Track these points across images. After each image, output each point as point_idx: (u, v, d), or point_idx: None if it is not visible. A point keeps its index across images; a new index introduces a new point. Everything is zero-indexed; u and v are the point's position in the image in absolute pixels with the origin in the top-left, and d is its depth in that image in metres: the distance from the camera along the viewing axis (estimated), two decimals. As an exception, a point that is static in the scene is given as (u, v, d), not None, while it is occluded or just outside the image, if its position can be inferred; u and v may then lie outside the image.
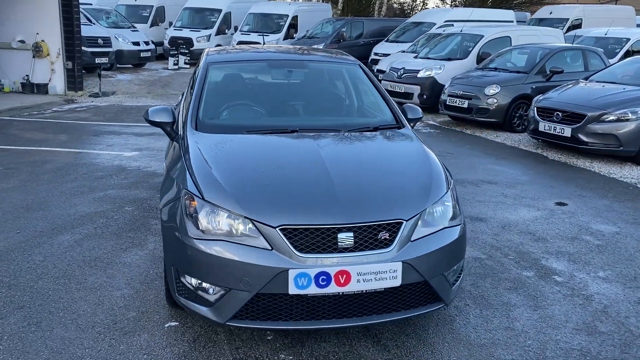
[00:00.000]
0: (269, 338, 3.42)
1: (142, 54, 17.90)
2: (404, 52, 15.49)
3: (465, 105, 10.50)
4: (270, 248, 2.98)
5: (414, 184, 3.40)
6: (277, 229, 2.99)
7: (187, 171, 3.42)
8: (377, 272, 3.00)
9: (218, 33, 20.18)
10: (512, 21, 18.59)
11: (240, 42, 19.25)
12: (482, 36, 12.72)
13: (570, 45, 12.18)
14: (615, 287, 4.23)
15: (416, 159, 3.73)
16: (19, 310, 3.70)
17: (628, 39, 14.58)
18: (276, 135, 3.90)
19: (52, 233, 5.03)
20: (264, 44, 6.71)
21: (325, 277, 2.95)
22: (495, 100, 10.21)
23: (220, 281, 3.03)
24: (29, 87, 13.54)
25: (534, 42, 12.56)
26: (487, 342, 3.45)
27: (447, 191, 3.45)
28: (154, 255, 4.57)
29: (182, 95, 5.96)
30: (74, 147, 8.45)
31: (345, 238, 3.00)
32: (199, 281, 3.12)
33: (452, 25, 16.78)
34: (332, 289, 2.97)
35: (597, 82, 9.27)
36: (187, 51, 19.30)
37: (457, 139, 9.85)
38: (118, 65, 17.79)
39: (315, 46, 17.90)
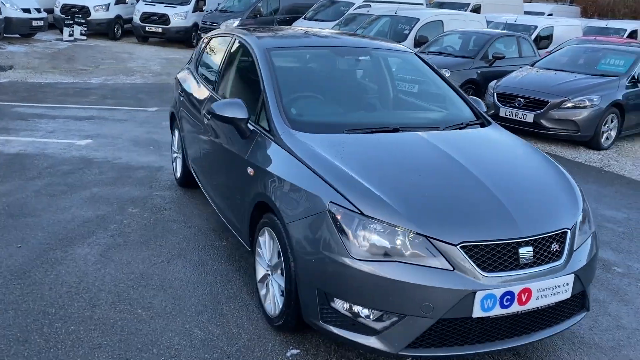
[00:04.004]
0: (410, 361, 3.12)
1: (34, 23, 15.83)
2: (328, 31, 15.22)
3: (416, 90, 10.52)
4: (451, 268, 2.67)
5: (563, 190, 3.23)
6: (457, 246, 2.68)
7: (320, 179, 2.96)
8: (553, 286, 2.82)
9: (118, 2, 18.43)
10: (422, 4, 19.01)
11: (145, 14, 17.76)
12: (418, 19, 12.84)
13: (509, 32, 12.72)
14: (673, 276, 4.44)
15: (544, 162, 3.56)
16: (98, 349, 3.03)
17: (536, 26, 15.60)
18: (381, 134, 3.50)
19: (62, 245, 4.24)
20: (276, 23, 6.12)
21: (509, 297, 2.72)
22: (446, 85, 10.34)
23: (393, 307, 2.67)
24: None
25: (462, 26, 12.93)
26: (615, 345, 3.43)
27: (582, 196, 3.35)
28: (206, 269, 4.00)
29: (195, 79, 5.15)
30: (7, 134, 7.26)
31: (527, 253, 2.78)
32: (360, 307, 2.74)
33: (370, 6, 16.80)
34: (514, 308, 2.75)
35: (543, 68, 9.73)
36: (83, 21, 17.46)
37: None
38: (5, 35, 15.62)
39: (231, 20, 17.11)
